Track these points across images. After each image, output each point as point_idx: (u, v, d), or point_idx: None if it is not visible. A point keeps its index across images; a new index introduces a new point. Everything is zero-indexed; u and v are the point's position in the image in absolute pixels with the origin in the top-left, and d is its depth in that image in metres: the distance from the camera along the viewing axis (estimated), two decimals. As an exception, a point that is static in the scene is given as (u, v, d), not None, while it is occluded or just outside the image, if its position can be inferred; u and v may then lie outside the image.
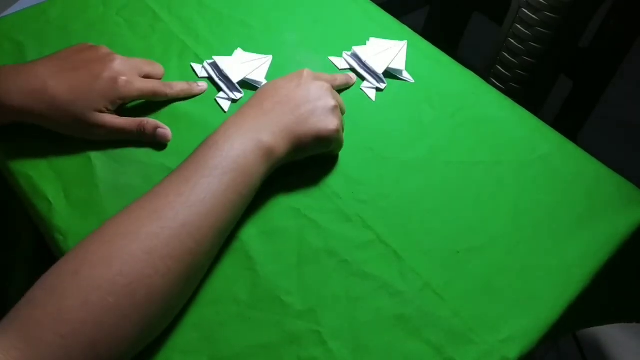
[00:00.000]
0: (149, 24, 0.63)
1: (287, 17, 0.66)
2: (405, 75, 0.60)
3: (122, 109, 0.52)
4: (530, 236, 0.48)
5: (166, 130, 0.52)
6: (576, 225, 0.49)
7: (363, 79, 0.59)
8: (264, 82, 0.58)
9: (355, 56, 0.61)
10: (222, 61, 0.59)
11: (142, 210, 0.40)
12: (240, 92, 0.57)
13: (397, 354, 0.42)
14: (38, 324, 0.34)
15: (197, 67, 0.59)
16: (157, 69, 0.56)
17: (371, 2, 0.69)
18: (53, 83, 0.47)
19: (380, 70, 0.59)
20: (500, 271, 0.46)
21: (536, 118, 0.57)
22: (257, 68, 0.58)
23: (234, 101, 0.56)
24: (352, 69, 0.60)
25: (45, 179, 0.49)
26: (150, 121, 0.52)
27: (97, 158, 0.51)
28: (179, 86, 0.55)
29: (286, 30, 0.64)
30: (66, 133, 0.50)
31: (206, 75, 0.58)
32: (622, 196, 0.51)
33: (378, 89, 0.59)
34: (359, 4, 0.68)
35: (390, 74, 0.60)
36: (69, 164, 0.50)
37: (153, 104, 0.55)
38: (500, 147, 0.54)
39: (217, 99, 0.56)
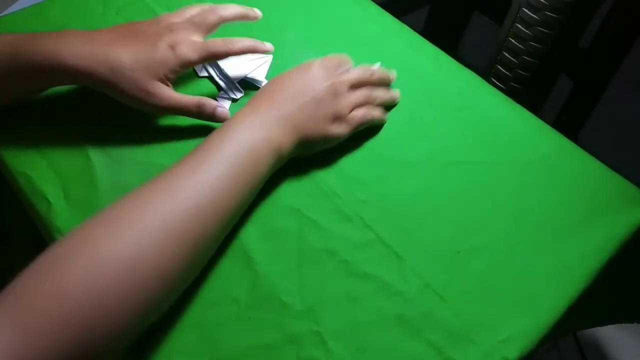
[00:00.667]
0: (149, 24, 0.63)
1: (287, 17, 0.65)
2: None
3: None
4: (530, 236, 0.48)
5: (225, 110, 0.52)
6: (577, 225, 0.49)
7: None
8: (264, 81, 0.58)
9: None
10: (223, 60, 0.58)
11: (152, 190, 0.41)
12: (240, 91, 0.57)
13: (397, 355, 0.41)
14: (36, 299, 0.33)
15: (197, 66, 0.59)
16: (229, 11, 0.54)
17: (371, 1, 0.69)
18: (117, 49, 0.48)
19: None
20: (501, 271, 0.46)
21: (537, 118, 0.57)
22: (257, 67, 0.58)
23: (234, 100, 0.56)
24: None
25: (44, 179, 0.49)
26: (210, 100, 0.52)
27: (96, 158, 0.51)
28: (241, 43, 0.53)
29: (286, 30, 0.64)
30: (127, 102, 0.50)
31: (206, 74, 0.58)
32: (623, 196, 0.51)
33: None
34: (359, 4, 0.68)
35: None
36: (68, 163, 0.50)
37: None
38: (501, 147, 0.54)
39: (218, 98, 0.56)
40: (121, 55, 0.48)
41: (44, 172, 0.50)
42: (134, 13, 0.64)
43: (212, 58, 0.52)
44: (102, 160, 0.51)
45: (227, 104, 0.56)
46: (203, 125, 0.54)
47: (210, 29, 0.53)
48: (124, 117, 0.53)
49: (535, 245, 0.48)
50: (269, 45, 0.55)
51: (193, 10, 0.54)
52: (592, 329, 1.04)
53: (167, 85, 0.50)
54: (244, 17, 0.55)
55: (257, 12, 0.56)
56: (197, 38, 0.51)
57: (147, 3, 0.65)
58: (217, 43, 0.52)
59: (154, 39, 0.50)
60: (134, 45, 0.49)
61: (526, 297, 0.45)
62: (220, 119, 0.52)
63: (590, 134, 1.03)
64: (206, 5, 0.55)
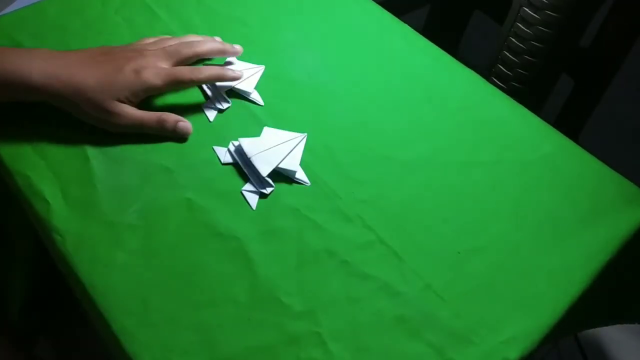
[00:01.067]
0: (148, 23, 0.63)
1: (286, 16, 0.65)
2: (300, 175, 0.50)
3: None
4: (531, 236, 0.48)
5: (187, 124, 0.52)
6: (578, 225, 0.49)
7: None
8: (254, 92, 0.56)
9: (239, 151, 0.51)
10: None
11: None
12: (227, 102, 0.55)
13: (397, 355, 0.41)
14: None
15: None
16: (206, 47, 0.55)
17: (372, 0, 0.69)
18: (82, 71, 0.49)
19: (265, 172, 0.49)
20: (501, 272, 0.46)
21: (538, 117, 0.57)
22: (247, 78, 0.57)
23: (220, 111, 0.55)
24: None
25: (43, 179, 0.49)
26: (170, 115, 0.52)
27: (95, 158, 0.50)
28: (208, 71, 0.53)
29: (285, 29, 0.64)
30: (87, 120, 0.51)
31: None
32: (624, 196, 0.51)
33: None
34: (359, 3, 0.68)
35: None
36: (67, 163, 0.50)
37: (150, 104, 0.55)
38: (502, 146, 0.54)
39: (204, 107, 0.55)
40: (86, 77, 0.49)
41: (42, 172, 0.49)
42: (133, 12, 0.64)
43: (178, 85, 0.52)
44: (100, 160, 0.50)
45: (212, 114, 0.55)
46: (203, 124, 0.54)
47: (182, 61, 0.54)
48: (123, 116, 0.53)
49: (535, 245, 0.47)
50: (237, 73, 0.55)
51: (171, 41, 0.55)
52: (593, 329, 1.04)
53: (129, 104, 0.51)
54: (222, 53, 0.57)
55: (237, 47, 0.58)
56: (165, 65, 0.52)
57: (146, 2, 0.65)
58: (183, 71, 0.52)
59: (122, 63, 0.50)
60: (101, 68, 0.50)
61: (527, 297, 0.44)
62: (181, 134, 0.52)
63: (591, 134, 1.02)
64: (186, 39, 0.56)
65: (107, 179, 0.49)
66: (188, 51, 0.54)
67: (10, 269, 0.59)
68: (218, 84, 0.56)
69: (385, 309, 0.43)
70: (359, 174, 0.51)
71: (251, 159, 0.50)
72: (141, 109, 0.52)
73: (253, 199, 0.49)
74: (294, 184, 0.50)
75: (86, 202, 0.48)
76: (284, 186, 0.50)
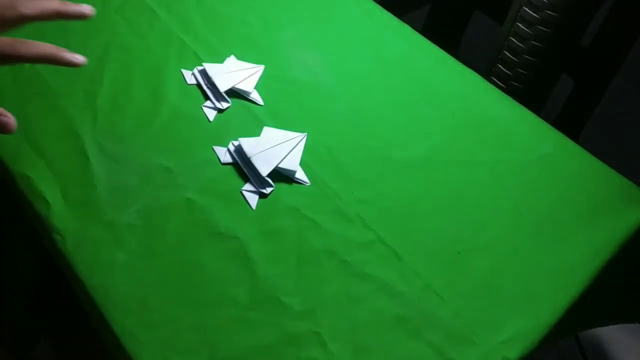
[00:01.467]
0: (148, 23, 0.63)
1: (287, 16, 0.65)
2: (300, 175, 0.51)
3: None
4: (531, 236, 0.48)
5: (7, 119, 0.40)
6: (577, 225, 0.49)
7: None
8: (253, 91, 0.56)
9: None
10: (212, 69, 0.57)
11: None
12: (227, 101, 0.56)
13: (397, 355, 0.41)
14: None
15: (187, 74, 0.58)
16: (31, 7, 0.40)
17: (372, 0, 0.69)
18: None
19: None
20: (501, 271, 0.46)
21: (537, 117, 0.57)
22: (246, 78, 0.57)
23: (220, 110, 0.55)
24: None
25: (43, 179, 0.49)
26: None
27: (95, 158, 0.50)
28: (38, 48, 0.40)
29: (285, 28, 0.64)
30: None
31: (195, 82, 0.57)
32: (624, 196, 0.51)
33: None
34: (359, 3, 0.68)
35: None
36: (67, 164, 0.50)
37: (124, 100, 0.54)
38: (501, 146, 0.54)
39: (203, 107, 0.55)
40: None
41: (42, 172, 0.49)
42: (133, 12, 0.64)
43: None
44: (100, 160, 0.50)
45: (212, 114, 0.55)
46: (203, 124, 0.54)
47: (3, 26, 0.40)
48: (122, 116, 0.53)
49: (535, 245, 0.47)
50: (79, 58, 0.40)
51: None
52: (593, 329, 1.04)
53: None
54: (59, 15, 0.42)
55: (84, 8, 0.42)
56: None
57: (146, 2, 0.65)
58: (5, 42, 0.39)
59: None
60: None
61: (527, 297, 0.44)
62: None
63: (591, 134, 1.02)
64: None
65: (107, 179, 0.49)
66: (10, 13, 0.40)
67: (12, 270, 0.59)
68: (217, 83, 0.56)
69: (385, 309, 0.43)
70: (359, 174, 0.51)
71: (251, 159, 0.50)
72: (144, 113, 0.51)
73: (253, 199, 0.49)
74: (294, 184, 0.50)
75: (86, 202, 0.48)
76: (284, 186, 0.50)
